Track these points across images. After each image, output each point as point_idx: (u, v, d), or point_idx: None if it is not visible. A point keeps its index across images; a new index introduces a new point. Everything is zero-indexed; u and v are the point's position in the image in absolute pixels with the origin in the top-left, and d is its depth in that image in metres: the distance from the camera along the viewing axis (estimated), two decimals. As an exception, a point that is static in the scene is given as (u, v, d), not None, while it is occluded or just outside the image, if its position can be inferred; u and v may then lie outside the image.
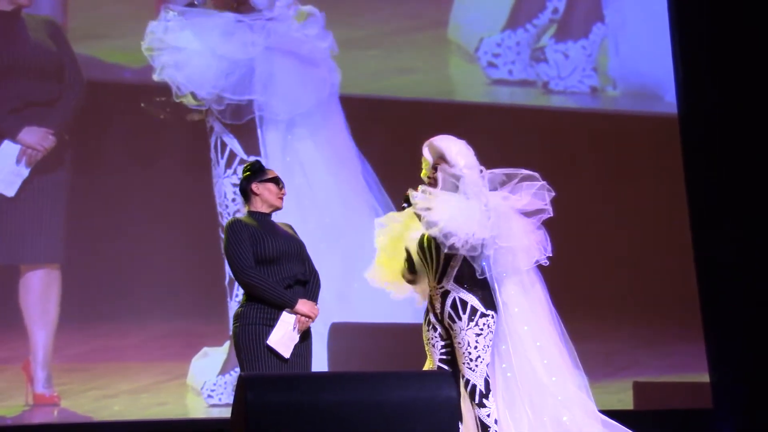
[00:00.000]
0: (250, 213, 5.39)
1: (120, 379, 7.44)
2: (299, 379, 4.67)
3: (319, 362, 7.45)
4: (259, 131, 7.74)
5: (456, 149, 5.39)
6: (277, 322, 5.18)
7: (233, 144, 7.66)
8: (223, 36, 7.62)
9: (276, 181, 5.42)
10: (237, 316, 5.26)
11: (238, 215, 5.52)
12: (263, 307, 5.20)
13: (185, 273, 7.64)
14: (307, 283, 5.36)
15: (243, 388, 4.44)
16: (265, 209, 5.40)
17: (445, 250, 5.20)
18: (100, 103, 7.72)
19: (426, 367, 5.43)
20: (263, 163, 5.58)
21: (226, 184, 7.54)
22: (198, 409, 7.57)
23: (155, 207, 7.66)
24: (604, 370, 8.29)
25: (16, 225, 7.40)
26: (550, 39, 8.83)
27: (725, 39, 8.74)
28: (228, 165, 7.61)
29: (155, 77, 7.48)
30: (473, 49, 8.67)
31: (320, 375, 4.89)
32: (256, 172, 5.41)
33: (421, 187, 5.31)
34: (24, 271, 7.41)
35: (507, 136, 8.42)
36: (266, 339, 5.15)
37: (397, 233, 5.47)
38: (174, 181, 7.74)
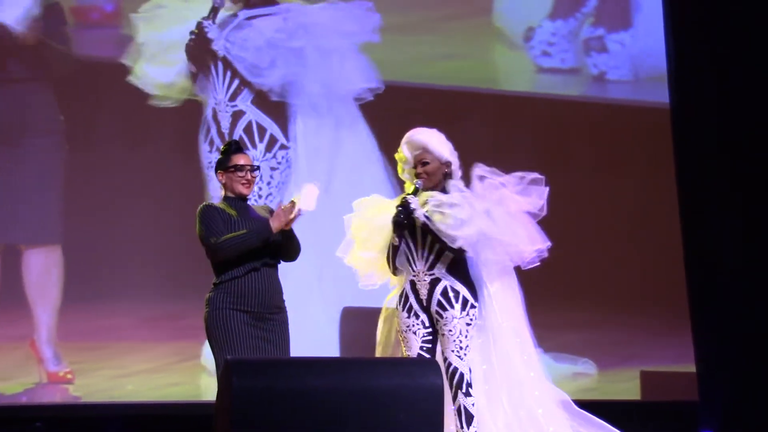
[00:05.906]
0: (225, 198, 5.36)
1: (133, 359, 7.49)
2: (285, 365, 4.70)
3: (331, 347, 7.47)
4: (292, 117, 7.77)
5: (436, 140, 5.35)
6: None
7: (272, 128, 7.69)
8: (274, 25, 7.74)
9: (240, 168, 5.31)
10: (206, 301, 5.26)
11: (213, 201, 5.51)
12: (231, 291, 5.19)
13: (198, 252, 7.62)
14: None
15: (228, 372, 4.43)
16: (234, 195, 5.34)
17: (456, 248, 5.20)
18: (97, 81, 7.73)
19: (397, 354, 5.42)
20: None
21: (263, 168, 7.54)
22: (211, 389, 7.56)
23: (153, 185, 7.68)
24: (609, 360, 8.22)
25: (11, 205, 7.46)
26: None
27: (718, 27, 8.62)
28: (268, 149, 7.64)
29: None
30: (518, 37, 8.56)
31: (306, 360, 4.87)
32: (221, 162, 5.35)
33: (430, 194, 5.25)
34: (24, 251, 7.47)
35: (546, 126, 8.37)
36: (235, 322, 5.16)
37: (369, 216, 5.47)
38: (170, 163, 7.75)
